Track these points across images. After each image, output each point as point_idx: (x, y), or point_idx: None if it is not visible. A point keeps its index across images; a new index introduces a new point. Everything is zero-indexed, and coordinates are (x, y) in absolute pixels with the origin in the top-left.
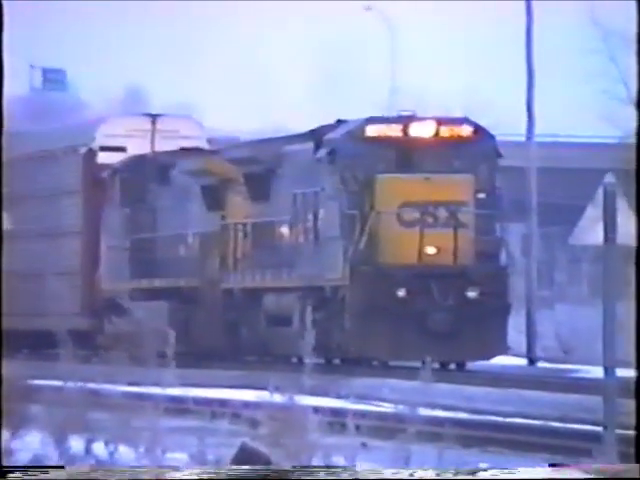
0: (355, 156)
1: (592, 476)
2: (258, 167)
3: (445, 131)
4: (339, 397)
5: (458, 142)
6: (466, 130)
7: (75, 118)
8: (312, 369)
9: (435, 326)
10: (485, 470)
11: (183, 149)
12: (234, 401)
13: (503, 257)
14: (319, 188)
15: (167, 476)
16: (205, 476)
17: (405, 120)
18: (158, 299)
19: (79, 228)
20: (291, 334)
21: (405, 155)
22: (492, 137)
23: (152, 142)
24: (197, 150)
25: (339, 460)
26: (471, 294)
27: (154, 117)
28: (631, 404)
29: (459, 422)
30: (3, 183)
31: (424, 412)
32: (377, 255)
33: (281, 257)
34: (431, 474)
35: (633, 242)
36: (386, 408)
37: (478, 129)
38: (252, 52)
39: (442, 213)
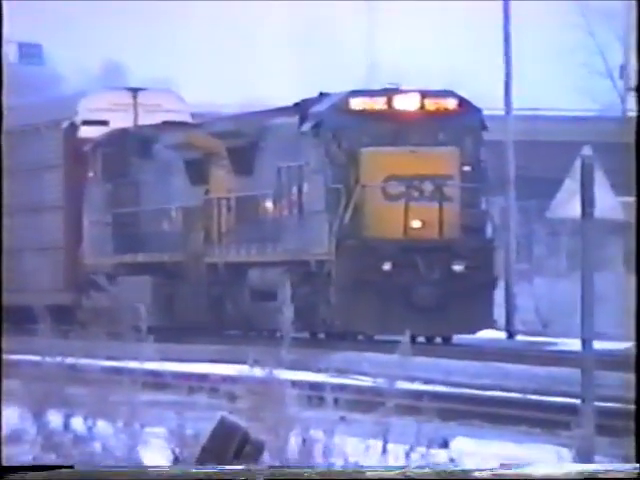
0: (340, 129)
1: (592, 476)
2: (241, 141)
3: (430, 104)
4: (319, 371)
5: (443, 115)
6: (451, 103)
7: (52, 92)
8: (295, 343)
9: (421, 300)
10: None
11: (166, 122)
12: (214, 375)
13: (489, 230)
14: (303, 162)
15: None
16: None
17: (389, 93)
18: (142, 274)
19: (61, 203)
20: (276, 308)
21: (390, 128)
22: (478, 110)
23: (135, 116)
24: (180, 124)
25: (317, 433)
26: (457, 268)
27: (136, 91)
28: (608, 375)
29: (437, 395)
30: None
31: (402, 385)
32: (362, 229)
33: (266, 231)
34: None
35: (611, 215)
36: (365, 382)
37: (463, 102)
38: (231, 26)
39: (428, 186)
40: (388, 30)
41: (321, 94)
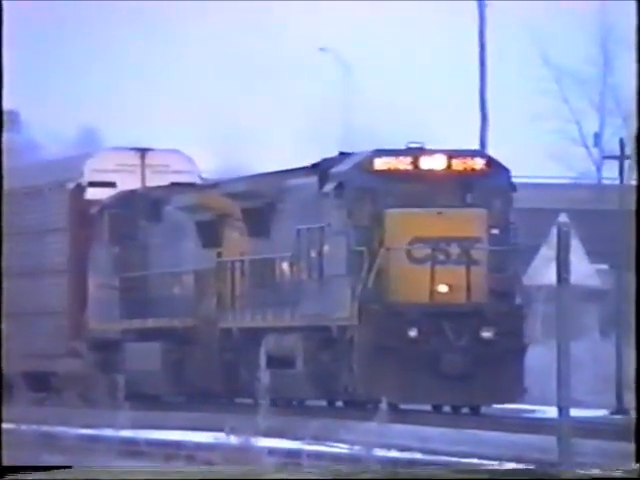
0: (364, 190)
1: (593, 476)
2: (257, 202)
3: (457, 164)
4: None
5: (471, 175)
6: (479, 163)
7: (29, 158)
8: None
9: (448, 368)
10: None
11: (175, 184)
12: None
13: (518, 295)
14: (325, 223)
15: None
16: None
17: (415, 152)
18: (151, 340)
19: (65, 266)
20: (293, 376)
21: (416, 189)
22: (506, 170)
23: (142, 177)
24: (190, 185)
25: None
26: (486, 334)
27: (143, 151)
28: (585, 444)
29: (414, 462)
30: None
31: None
32: (387, 293)
33: (283, 295)
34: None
35: (586, 282)
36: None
37: (491, 162)
38: (208, 94)
39: (454, 249)
40: (363, 93)
41: (341, 153)
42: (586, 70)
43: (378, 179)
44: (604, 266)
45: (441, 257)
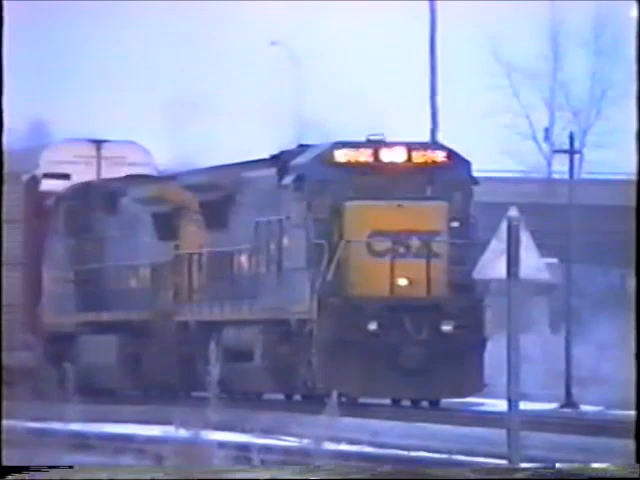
0: (323, 182)
1: (592, 476)
2: (216, 194)
3: (418, 156)
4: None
5: (431, 168)
6: (440, 155)
7: None
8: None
9: (408, 361)
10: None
11: (132, 176)
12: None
13: (478, 289)
14: (284, 216)
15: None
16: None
17: (375, 145)
18: (106, 333)
19: (20, 258)
20: (251, 369)
21: (376, 181)
22: (467, 163)
23: (98, 169)
24: (148, 177)
25: None
26: (446, 328)
27: (99, 143)
28: (535, 437)
29: (364, 456)
30: None
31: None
32: (346, 287)
33: (241, 288)
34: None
35: (536, 276)
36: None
37: (452, 154)
38: (160, 86)
39: (414, 242)
40: (315, 87)
41: (300, 145)
42: (536, 65)
43: (338, 171)
44: (554, 260)
45: (401, 250)
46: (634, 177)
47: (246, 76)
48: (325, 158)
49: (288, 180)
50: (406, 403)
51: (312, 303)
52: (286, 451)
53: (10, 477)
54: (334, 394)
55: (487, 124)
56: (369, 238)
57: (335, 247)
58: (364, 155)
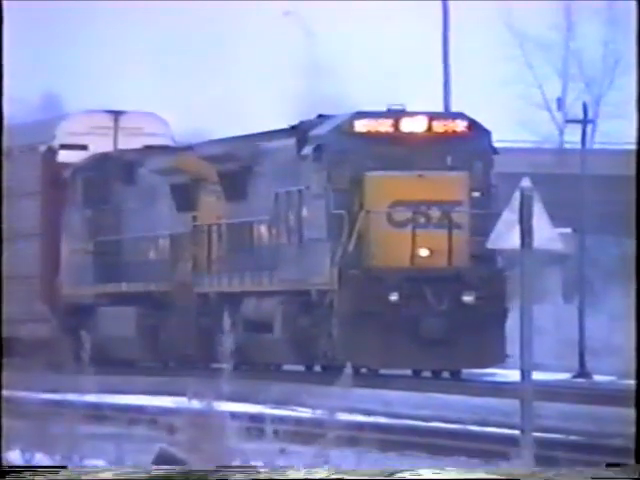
0: (343, 152)
1: (592, 476)
2: (235, 165)
3: (438, 126)
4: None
5: (452, 138)
6: (460, 125)
7: None
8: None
9: (429, 332)
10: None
11: (150, 146)
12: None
13: (499, 259)
14: (304, 187)
15: (90, 476)
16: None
17: (396, 115)
18: (125, 304)
19: (38, 230)
20: (272, 341)
21: (396, 151)
22: (487, 132)
23: (115, 140)
24: (165, 147)
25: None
26: (467, 298)
27: (117, 114)
28: (548, 407)
29: (377, 426)
30: None
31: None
32: (367, 258)
33: (261, 260)
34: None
35: (549, 246)
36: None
37: (473, 124)
38: (175, 61)
39: (435, 213)
40: (328, 60)
41: (320, 116)
42: (549, 35)
43: (358, 141)
44: (567, 230)
45: (422, 220)
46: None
47: (259, 47)
48: (345, 128)
49: (308, 150)
50: (427, 374)
51: (332, 274)
52: (299, 422)
53: (10, 477)
54: (349, 365)
55: (500, 94)
56: (389, 208)
57: (355, 218)
58: (384, 125)
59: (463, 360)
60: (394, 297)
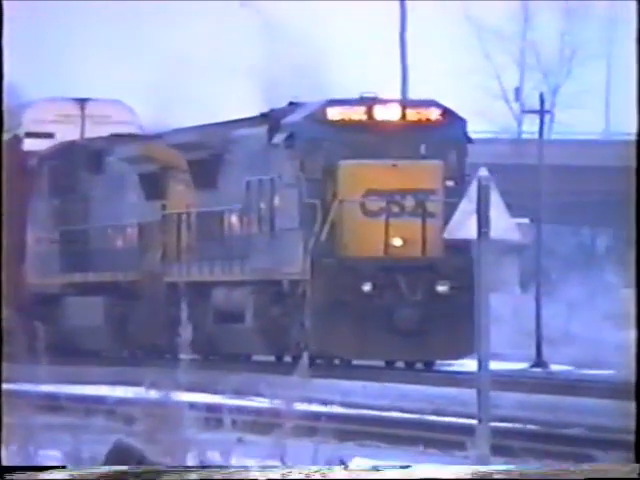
0: (316, 141)
1: (592, 476)
2: (204, 153)
3: (412, 114)
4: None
5: (426, 126)
6: (434, 113)
7: None
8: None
9: (403, 323)
10: None
11: (117, 135)
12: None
13: (474, 249)
14: (276, 175)
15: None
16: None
17: (369, 102)
18: (93, 294)
19: (3, 219)
20: (243, 331)
21: (369, 140)
22: (462, 120)
23: (82, 128)
24: (133, 136)
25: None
26: (441, 288)
27: (83, 101)
28: (505, 396)
29: (335, 416)
30: None
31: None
32: (340, 247)
33: (232, 249)
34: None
35: (506, 236)
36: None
37: (447, 112)
38: (127, 47)
39: (409, 202)
40: (285, 48)
41: (291, 103)
42: (507, 26)
43: (331, 129)
44: (525, 220)
45: (396, 210)
46: (603, 137)
47: (218, 37)
48: (318, 116)
49: (279, 139)
50: (400, 365)
51: (305, 264)
52: (257, 412)
53: (10, 477)
54: (305, 355)
55: (458, 85)
56: (363, 198)
57: (328, 207)
58: (357, 113)
59: (437, 351)
60: (367, 287)
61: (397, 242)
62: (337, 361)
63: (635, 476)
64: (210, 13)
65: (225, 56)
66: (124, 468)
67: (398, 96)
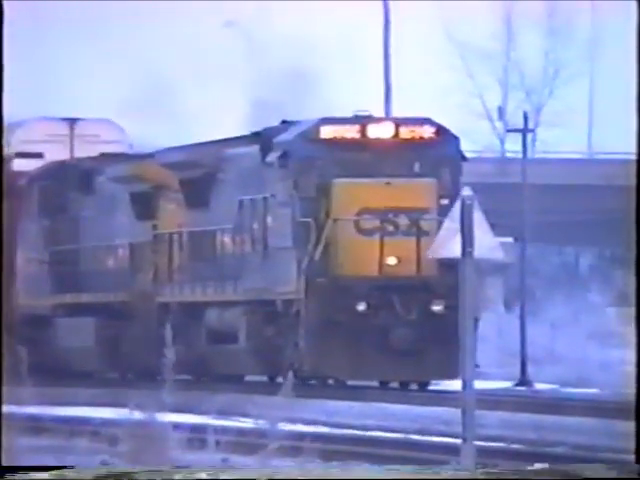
0: (309, 159)
1: (592, 476)
2: (197, 172)
3: (405, 132)
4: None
5: (420, 144)
6: (428, 131)
7: None
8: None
9: (398, 343)
10: None
11: (107, 154)
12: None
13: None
14: (269, 194)
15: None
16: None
17: (362, 120)
18: (84, 315)
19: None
20: (236, 351)
21: (363, 158)
22: (456, 138)
23: (71, 147)
24: (124, 155)
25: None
26: (436, 308)
27: (72, 121)
28: (489, 415)
29: (319, 436)
30: None
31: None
32: (334, 266)
33: (225, 269)
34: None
35: (490, 255)
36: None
37: (441, 130)
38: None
39: (403, 220)
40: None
41: (284, 122)
42: (490, 45)
43: (324, 148)
44: (509, 239)
45: (390, 228)
46: (587, 156)
47: (205, 58)
48: (311, 134)
49: (273, 157)
50: (394, 385)
51: (299, 283)
52: (241, 432)
53: (10, 477)
54: (290, 374)
55: (441, 104)
56: (357, 216)
57: (322, 226)
58: (351, 131)
59: (433, 371)
60: (362, 307)
61: (392, 261)
62: (331, 381)
63: (635, 476)
64: (195, 34)
65: (211, 74)
66: (122, 469)
67: (382, 115)
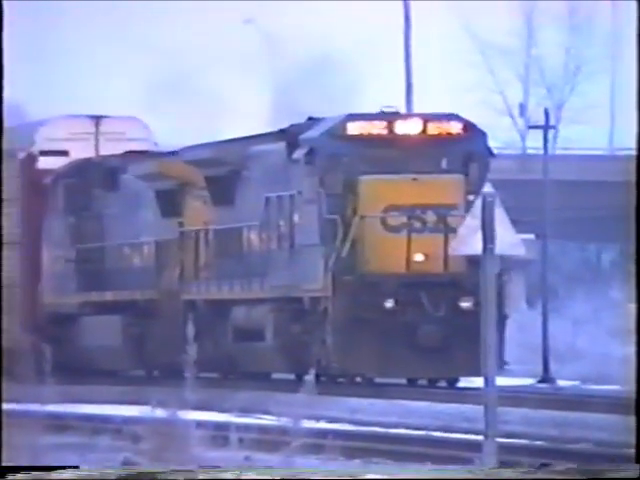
0: (336, 156)
1: (592, 476)
2: (222, 169)
3: (433, 128)
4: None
5: (447, 140)
6: (455, 127)
7: None
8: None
9: (426, 340)
10: None
11: (132, 152)
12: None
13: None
14: (295, 191)
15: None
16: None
17: (389, 117)
18: (110, 313)
19: (18, 238)
20: (263, 349)
21: (390, 154)
22: (483, 134)
23: (96, 145)
24: (149, 153)
25: None
26: (464, 304)
27: (97, 119)
28: (512, 412)
29: (342, 433)
30: None
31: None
32: (361, 263)
33: (251, 266)
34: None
35: (511, 251)
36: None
37: (468, 125)
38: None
39: (431, 217)
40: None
41: (310, 118)
42: (510, 41)
43: (351, 145)
44: (530, 236)
45: (417, 225)
46: (608, 152)
47: (224, 56)
48: (337, 131)
49: (299, 154)
50: (422, 382)
51: (326, 280)
52: (263, 430)
53: (10, 477)
54: (312, 372)
55: (462, 100)
56: (384, 213)
57: (349, 223)
58: (378, 127)
59: (461, 368)
60: (390, 304)
61: (419, 258)
62: (359, 379)
63: (635, 476)
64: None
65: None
66: (145, 469)
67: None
